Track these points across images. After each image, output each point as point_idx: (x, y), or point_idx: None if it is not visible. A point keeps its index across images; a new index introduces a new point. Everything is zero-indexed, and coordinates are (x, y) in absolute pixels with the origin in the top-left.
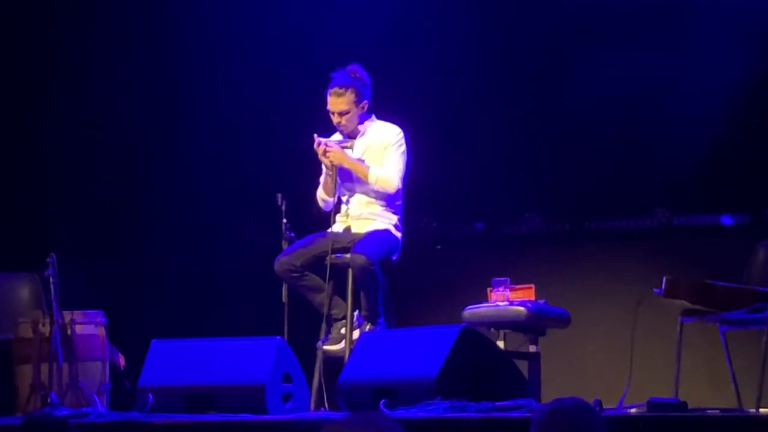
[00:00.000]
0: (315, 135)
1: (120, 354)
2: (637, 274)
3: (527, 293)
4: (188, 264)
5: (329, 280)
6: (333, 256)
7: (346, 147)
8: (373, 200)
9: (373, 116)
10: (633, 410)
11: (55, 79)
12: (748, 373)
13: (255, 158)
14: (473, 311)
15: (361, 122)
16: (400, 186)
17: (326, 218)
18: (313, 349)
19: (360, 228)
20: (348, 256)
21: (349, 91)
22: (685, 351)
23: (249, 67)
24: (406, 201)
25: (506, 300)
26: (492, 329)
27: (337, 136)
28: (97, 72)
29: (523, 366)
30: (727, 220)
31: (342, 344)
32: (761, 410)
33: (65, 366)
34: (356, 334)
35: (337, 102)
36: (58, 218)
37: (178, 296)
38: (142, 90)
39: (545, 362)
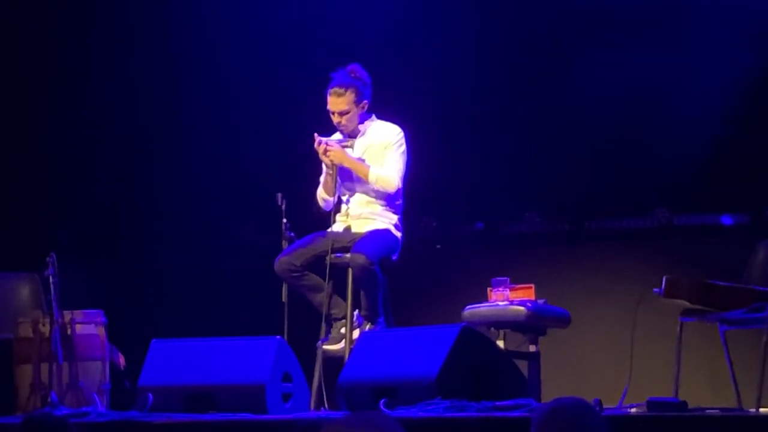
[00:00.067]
0: (315, 134)
1: (120, 354)
2: (637, 274)
3: (527, 293)
4: (188, 264)
5: (329, 279)
6: (333, 255)
7: (347, 146)
8: (373, 200)
9: (374, 116)
10: (633, 410)
11: (55, 79)
12: (748, 373)
13: (255, 158)
14: (473, 311)
15: (362, 122)
16: (400, 186)
17: (326, 218)
18: (313, 349)
19: (360, 227)
20: (348, 255)
21: (349, 91)
22: (685, 351)
23: (249, 67)
24: (406, 201)
25: (506, 300)
26: (492, 329)
27: (337, 136)
28: (97, 72)
29: (523, 366)
30: (727, 220)
31: (342, 344)
32: (761, 410)
33: (65, 366)
34: (356, 333)
35: (337, 102)
36: (58, 218)
37: (178, 296)
38: (142, 90)
39: (545, 362)
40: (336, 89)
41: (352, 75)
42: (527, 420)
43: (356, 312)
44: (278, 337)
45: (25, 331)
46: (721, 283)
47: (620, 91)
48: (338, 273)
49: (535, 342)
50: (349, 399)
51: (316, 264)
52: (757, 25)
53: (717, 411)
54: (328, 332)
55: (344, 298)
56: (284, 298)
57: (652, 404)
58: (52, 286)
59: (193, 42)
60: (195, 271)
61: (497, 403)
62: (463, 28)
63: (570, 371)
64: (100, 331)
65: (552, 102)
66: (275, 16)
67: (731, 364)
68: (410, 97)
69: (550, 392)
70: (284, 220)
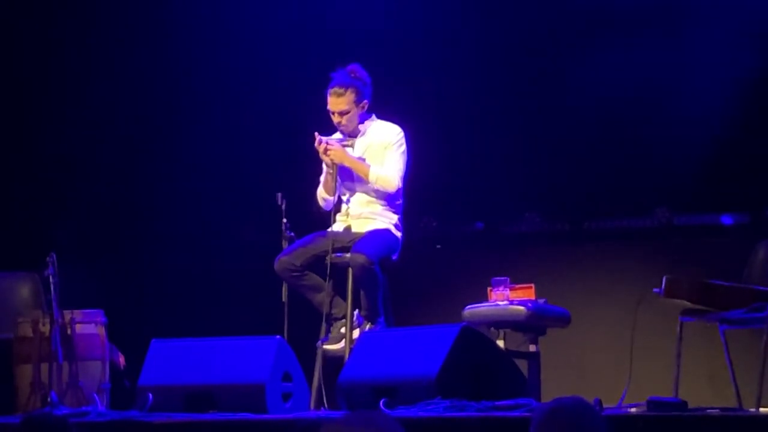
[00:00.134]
0: (316, 133)
1: (120, 353)
2: (637, 274)
3: (527, 293)
4: (188, 264)
5: (329, 279)
6: (333, 255)
7: (347, 145)
8: (373, 199)
9: (374, 116)
10: (633, 410)
11: (55, 79)
12: (748, 372)
13: (255, 158)
14: (473, 311)
15: (362, 122)
16: (401, 185)
17: (326, 218)
18: (313, 349)
19: (360, 227)
20: (348, 255)
21: (349, 90)
22: (685, 351)
23: (249, 67)
24: (406, 201)
25: (506, 299)
26: (492, 328)
27: (338, 135)
28: (97, 72)
29: (522, 365)
30: (727, 220)
31: (342, 343)
32: (761, 410)
33: (65, 365)
34: (356, 333)
35: (337, 102)
36: (58, 218)
37: (178, 296)
38: (142, 90)
39: (545, 362)
40: (336, 89)
41: (352, 75)
42: (527, 420)
43: (356, 312)
44: (278, 336)
45: (25, 330)
46: (721, 283)
47: (620, 91)
48: (338, 273)
49: (535, 342)
50: (349, 399)
51: (316, 264)
52: (757, 25)
53: (717, 411)
54: (328, 332)
55: (344, 298)
56: (284, 298)
57: (652, 404)
58: (52, 286)
59: (193, 42)
60: (195, 271)
61: (497, 403)
62: (463, 27)
63: (570, 371)
64: (100, 330)
65: (552, 102)
66: (275, 16)
67: (731, 363)
68: (410, 97)
69: (550, 392)
70: (284, 220)
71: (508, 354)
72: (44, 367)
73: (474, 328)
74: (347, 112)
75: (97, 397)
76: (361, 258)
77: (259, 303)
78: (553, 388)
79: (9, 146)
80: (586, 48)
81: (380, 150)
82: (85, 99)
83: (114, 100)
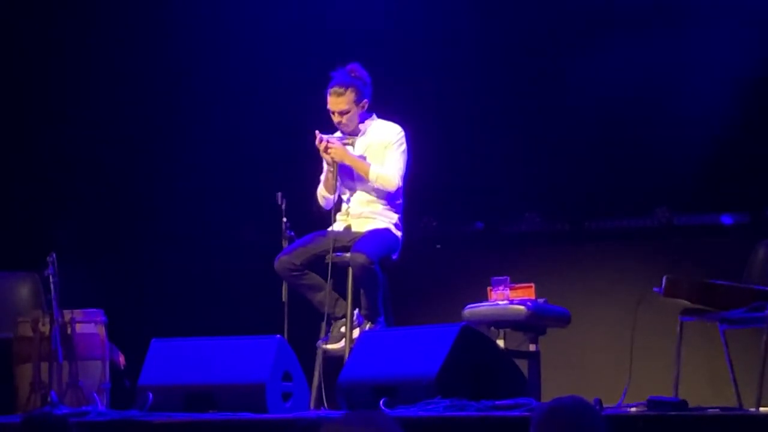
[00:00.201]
0: (317, 131)
1: (120, 353)
2: (637, 274)
3: (527, 292)
4: (188, 264)
5: (330, 278)
6: (333, 254)
7: (348, 144)
8: (374, 199)
9: (374, 115)
10: (633, 409)
11: (55, 79)
12: (748, 372)
13: (255, 158)
14: (473, 310)
15: (362, 121)
16: (401, 184)
17: (326, 217)
18: (313, 348)
19: (360, 227)
20: (348, 254)
21: (349, 90)
22: (685, 350)
23: (249, 66)
24: (406, 200)
25: (506, 299)
26: (492, 328)
27: (338, 134)
28: (97, 72)
29: (522, 365)
30: (727, 220)
31: (342, 343)
32: (761, 409)
33: (65, 365)
34: (356, 333)
35: (337, 101)
36: (58, 218)
37: (178, 296)
38: (142, 90)
39: (545, 361)
40: (336, 89)
41: (352, 74)
42: (527, 419)
43: (356, 311)
44: (278, 336)
45: (25, 330)
46: (721, 283)
47: (620, 91)
48: (338, 272)
49: (535, 341)
50: (349, 398)
51: (316, 263)
52: (757, 25)
53: (717, 410)
54: (328, 331)
55: (344, 298)
56: (284, 298)
57: (652, 403)
58: (52, 286)
59: (193, 42)
60: (195, 271)
61: (497, 403)
62: (463, 27)
63: (570, 371)
64: (100, 330)
65: (552, 102)
66: (275, 16)
67: (731, 363)
68: (410, 97)
69: (550, 392)
70: (284, 220)
71: (508, 354)
72: (44, 366)
73: (474, 328)
74: (347, 112)
75: (97, 397)
76: (361, 257)
77: (259, 303)
78: (553, 388)
79: (9, 146)
80: (586, 48)
81: (380, 149)
82: (85, 99)
83: (114, 100)
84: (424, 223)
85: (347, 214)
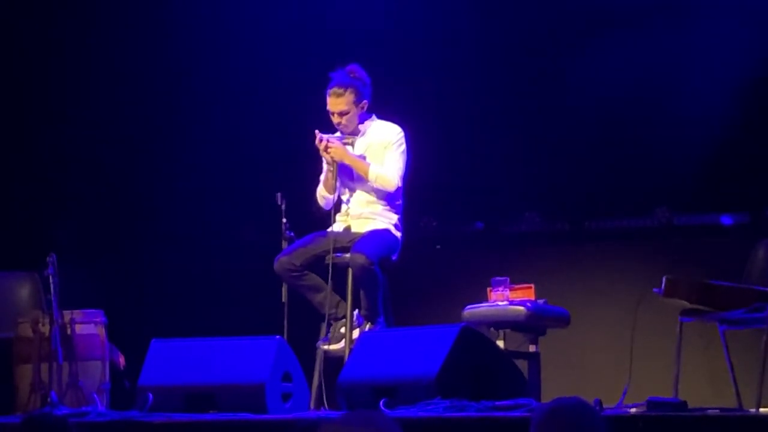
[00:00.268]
0: (316, 131)
1: (120, 353)
2: (637, 274)
3: (527, 293)
4: (188, 264)
5: (330, 279)
6: (333, 255)
7: (348, 143)
8: (373, 199)
9: (374, 116)
10: (633, 410)
11: (55, 79)
12: (748, 372)
13: (255, 158)
14: (473, 311)
15: (362, 122)
16: (400, 185)
17: (326, 218)
18: (313, 349)
19: (360, 227)
20: (348, 255)
21: (349, 91)
22: (685, 351)
23: (249, 66)
24: (406, 201)
25: (506, 299)
26: (492, 329)
27: (338, 134)
28: (98, 72)
29: (522, 366)
30: (727, 220)
31: (342, 344)
32: (761, 410)
33: (65, 365)
34: (356, 333)
35: (337, 102)
36: (58, 218)
37: (178, 296)
38: (142, 90)
39: (545, 362)
40: (335, 89)
41: (352, 75)
42: (527, 420)
43: (356, 312)
44: (278, 336)
45: (25, 330)
46: (721, 283)
47: (620, 91)
48: (338, 273)
49: (535, 342)
50: (349, 399)
51: (316, 264)
52: (757, 25)
53: (717, 411)
54: (328, 332)
55: (344, 298)
56: (284, 298)
57: (652, 404)
58: (52, 286)
59: (193, 42)
60: (195, 271)
61: (497, 403)
62: (463, 27)
63: (570, 371)
64: (100, 330)
65: (552, 102)
66: (275, 16)
67: (731, 364)
68: (410, 97)
69: (550, 392)
70: (284, 220)
71: (508, 354)
72: (44, 367)
73: (474, 328)
74: (347, 113)
75: (97, 397)
76: (360, 258)
77: (259, 303)
78: (553, 388)
79: (9, 146)
80: (586, 48)
81: (380, 149)
82: (85, 99)
83: (114, 100)
84: (424, 223)
85: (347, 214)
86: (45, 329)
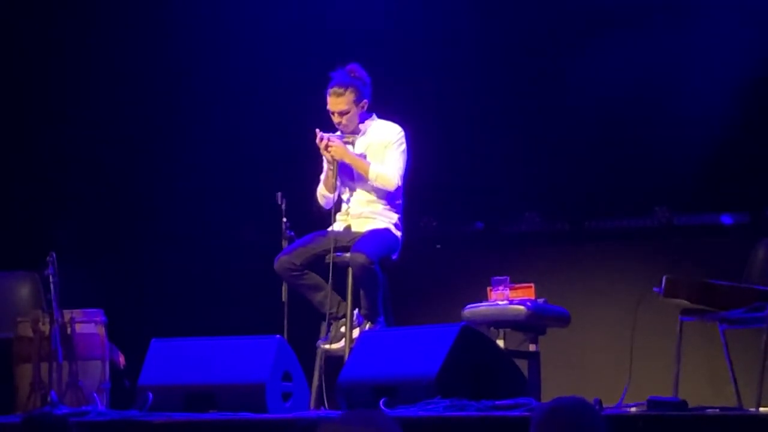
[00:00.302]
0: (317, 129)
1: (120, 353)
2: (637, 274)
3: (527, 292)
4: (188, 264)
5: (330, 278)
6: (333, 254)
7: (348, 142)
8: (374, 199)
9: (374, 115)
10: (633, 409)
11: (55, 79)
12: (748, 372)
13: (255, 158)
14: (473, 310)
15: (362, 121)
16: (400, 184)
17: (326, 217)
18: (313, 348)
19: (360, 227)
20: (348, 254)
21: (349, 90)
22: (685, 350)
23: (249, 66)
24: (406, 200)
25: (506, 299)
26: (492, 328)
27: (338, 133)
28: (98, 72)
29: (522, 365)
30: (727, 219)
31: (342, 343)
32: (761, 409)
33: (65, 365)
34: (356, 332)
35: (337, 102)
36: (58, 218)
37: (178, 296)
38: (143, 90)
39: (545, 361)
40: (335, 89)
41: (352, 74)
42: (527, 419)
43: (356, 311)
44: (278, 336)
45: (25, 330)
46: (721, 283)
47: (620, 91)
48: (338, 272)
49: (535, 341)
50: (349, 398)
51: (316, 263)
52: (757, 25)
53: (717, 410)
54: (328, 331)
55: (344, 298)
56: (284, 298)
57: (652, 403)
58: (52, 286)
59: (193, 42)
60: (195, 271)
61: (497, 403)
62: (463, 27)
63: (570, 371)
64: (100, 330)
65: (552, 102)
66: (275, 16)
67: (731, 363)
68: (410, 97)
69: (550, 392)
70: (284, 220)
71: (508, 354)
72: (44, 366)
73: (474, 328)
74: (347, 112)
75: (97, 397)
76: (361, 257)
77: (259, 303)
78: (553, 388)
79: (9, 146)
80: (586, 48)
81: (380, 149)
82: (85, 99)
83: (114, 100)
84: (424, 223)
85: (347, 214)
86: (45, 329)
